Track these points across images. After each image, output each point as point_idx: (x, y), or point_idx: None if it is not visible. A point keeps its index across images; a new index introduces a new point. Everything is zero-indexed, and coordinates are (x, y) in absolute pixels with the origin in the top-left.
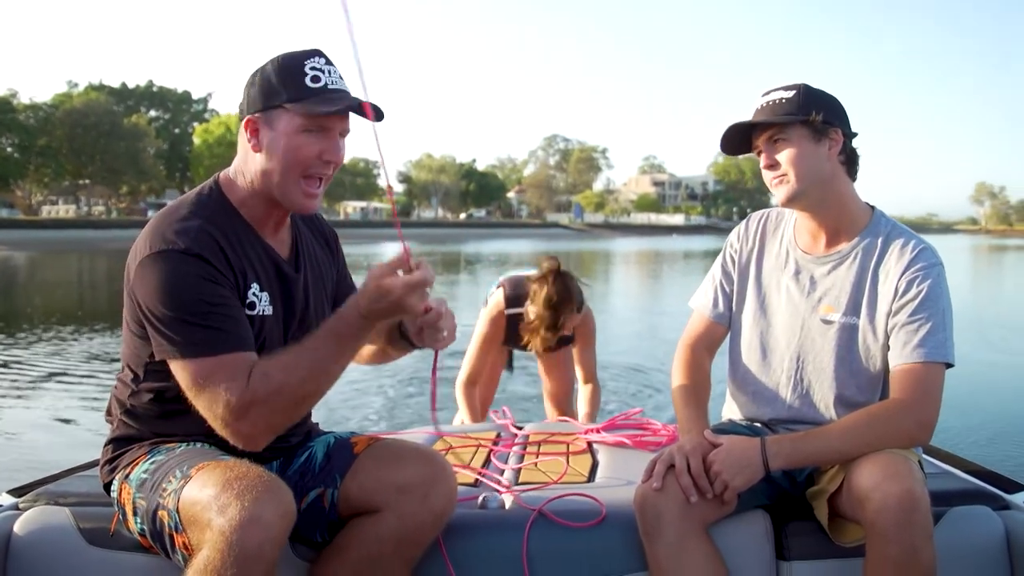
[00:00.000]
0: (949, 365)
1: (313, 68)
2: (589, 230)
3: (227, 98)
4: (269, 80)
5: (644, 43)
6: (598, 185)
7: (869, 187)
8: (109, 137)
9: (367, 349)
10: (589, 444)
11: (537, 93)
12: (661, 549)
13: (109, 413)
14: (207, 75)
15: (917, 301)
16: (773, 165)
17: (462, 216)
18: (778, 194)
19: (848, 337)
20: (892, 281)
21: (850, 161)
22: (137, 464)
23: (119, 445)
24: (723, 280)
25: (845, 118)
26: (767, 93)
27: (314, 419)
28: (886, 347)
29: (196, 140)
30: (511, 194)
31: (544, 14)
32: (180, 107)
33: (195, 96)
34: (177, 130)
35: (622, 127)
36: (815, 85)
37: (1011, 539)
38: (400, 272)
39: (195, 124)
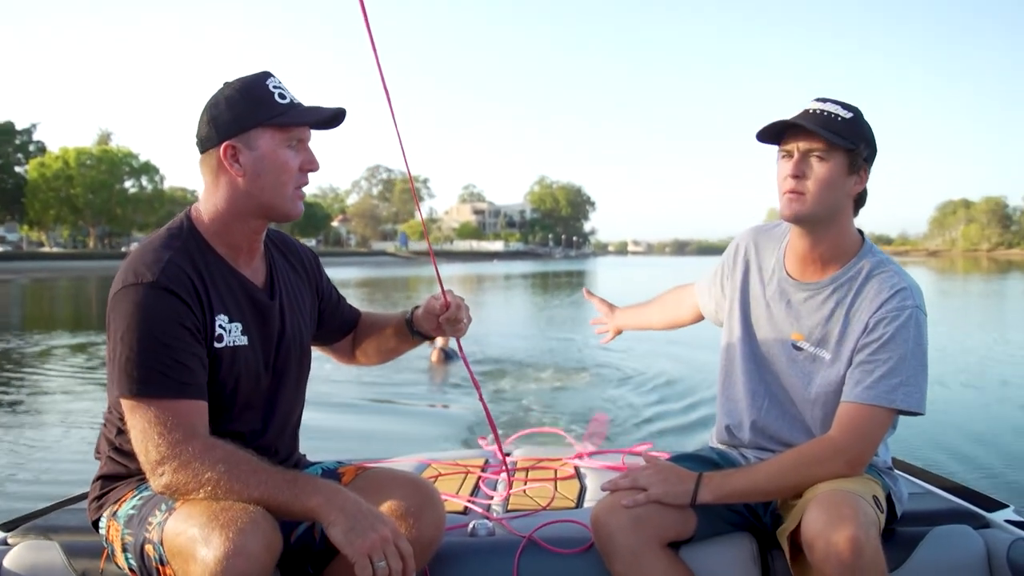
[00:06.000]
0: (913, 413)
1: (276, 87)
2: (415, 257)
3: (54, 130)
4: (237, 105)
5: (461, 76)
6: None
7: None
8: None
9: (380, 347)
10: (576, 469)
11: (357, 123)
12: (618, 567)
13: (98, 451)
14: (28, 106)
15: (880, 343)
16: (799, 176)
17: None
18: (789, 208)
19: (812, 367)
20: (863, 319)
21: (860, 199)
22: (125, 500)
23: (107, 482)
24: (718, 288)
25: (873, 159)
26: (824, 100)
27: (301, 450)
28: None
29: (32, 174)
30: (336, 223)
31: (363, 46)
32: (3, 138)
33: (19, 127)
34: (1, 161)
35: (442, 157)
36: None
37: (991, 557)
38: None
39: (20, 155)
